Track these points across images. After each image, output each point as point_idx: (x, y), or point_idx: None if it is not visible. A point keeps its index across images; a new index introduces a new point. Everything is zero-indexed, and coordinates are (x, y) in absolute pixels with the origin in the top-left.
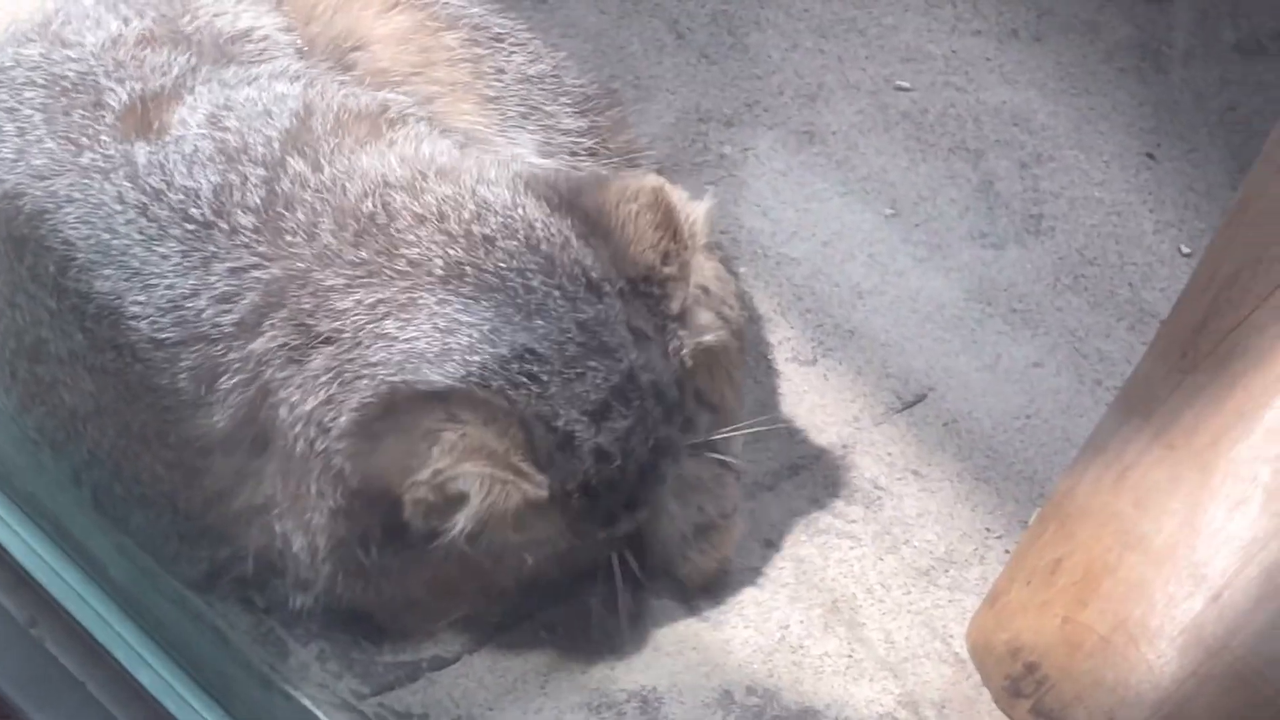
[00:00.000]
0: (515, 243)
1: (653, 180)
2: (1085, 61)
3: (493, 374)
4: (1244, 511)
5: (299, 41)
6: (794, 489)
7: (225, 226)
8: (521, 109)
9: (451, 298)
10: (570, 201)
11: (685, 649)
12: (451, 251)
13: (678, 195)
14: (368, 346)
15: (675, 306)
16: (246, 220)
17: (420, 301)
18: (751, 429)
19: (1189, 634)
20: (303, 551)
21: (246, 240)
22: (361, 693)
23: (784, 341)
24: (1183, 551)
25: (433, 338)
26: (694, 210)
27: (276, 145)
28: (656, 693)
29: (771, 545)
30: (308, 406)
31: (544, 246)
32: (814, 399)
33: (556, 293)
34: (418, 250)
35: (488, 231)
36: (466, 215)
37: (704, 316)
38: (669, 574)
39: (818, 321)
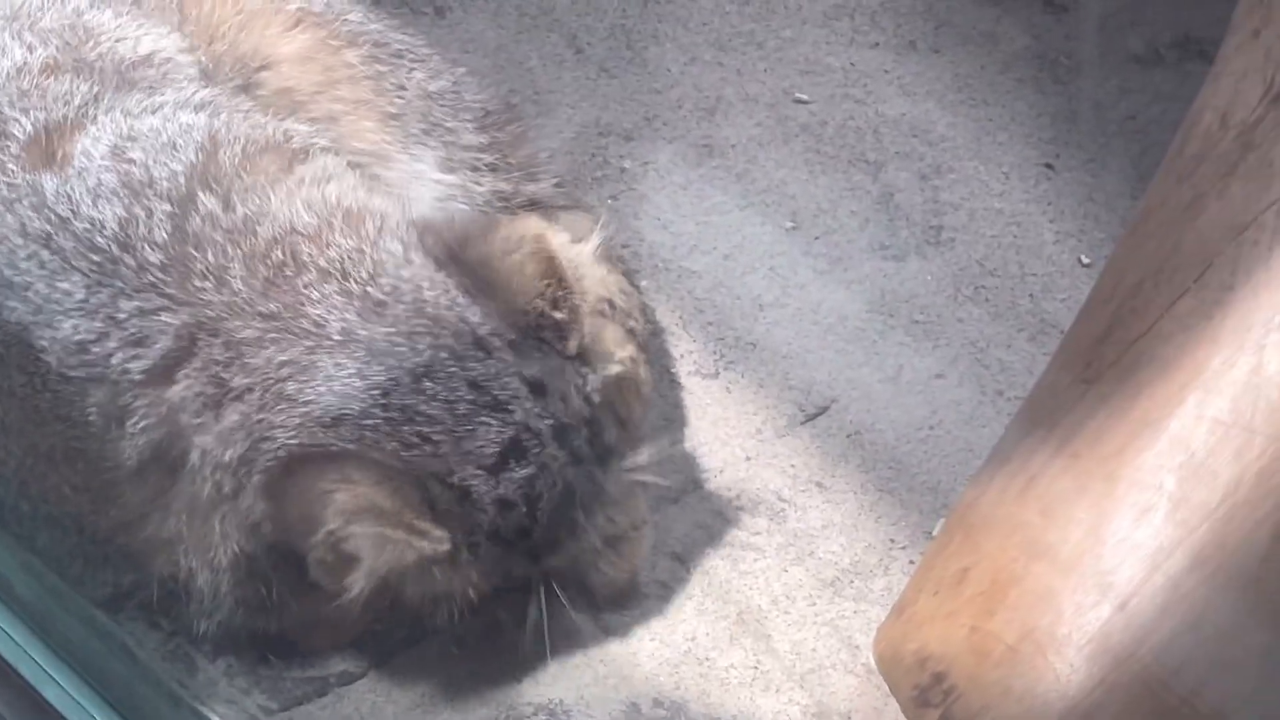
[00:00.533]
0: (404, 306)
1: (534, 228)
2: (983, 72)
3: (385, 436)
4: (1149, 520)
5: (203, 62)
6: (699, 502)
7: (132, 262)
8: (423, 125)
9: (346, 362)
10: (457, 256)
11: (593, 662)
12: (349, 316)
13: (559, 240)
14: (273, 408)
15: (573, 347)
16: (154, 257)
17: (319, 364)
18: (660, 443)
19: (1096, 643)
20: (206, 585)
21: (154, 279)
22: (270, 708)
23: (686, 355)
24: (1089, 560)
25: (329, 402)
26: (578, 252)
27: (183, 180)
28: (564, 706)
29: (677, 558)
30: (220, 457)
31: (430, 309)
32: (717, 412)
33: (444, 354)
34: (320, 310)
35: (381, 295)
36: (364, 274)
37: (608, 347)
38: (579, 586)
39: (720, 334)
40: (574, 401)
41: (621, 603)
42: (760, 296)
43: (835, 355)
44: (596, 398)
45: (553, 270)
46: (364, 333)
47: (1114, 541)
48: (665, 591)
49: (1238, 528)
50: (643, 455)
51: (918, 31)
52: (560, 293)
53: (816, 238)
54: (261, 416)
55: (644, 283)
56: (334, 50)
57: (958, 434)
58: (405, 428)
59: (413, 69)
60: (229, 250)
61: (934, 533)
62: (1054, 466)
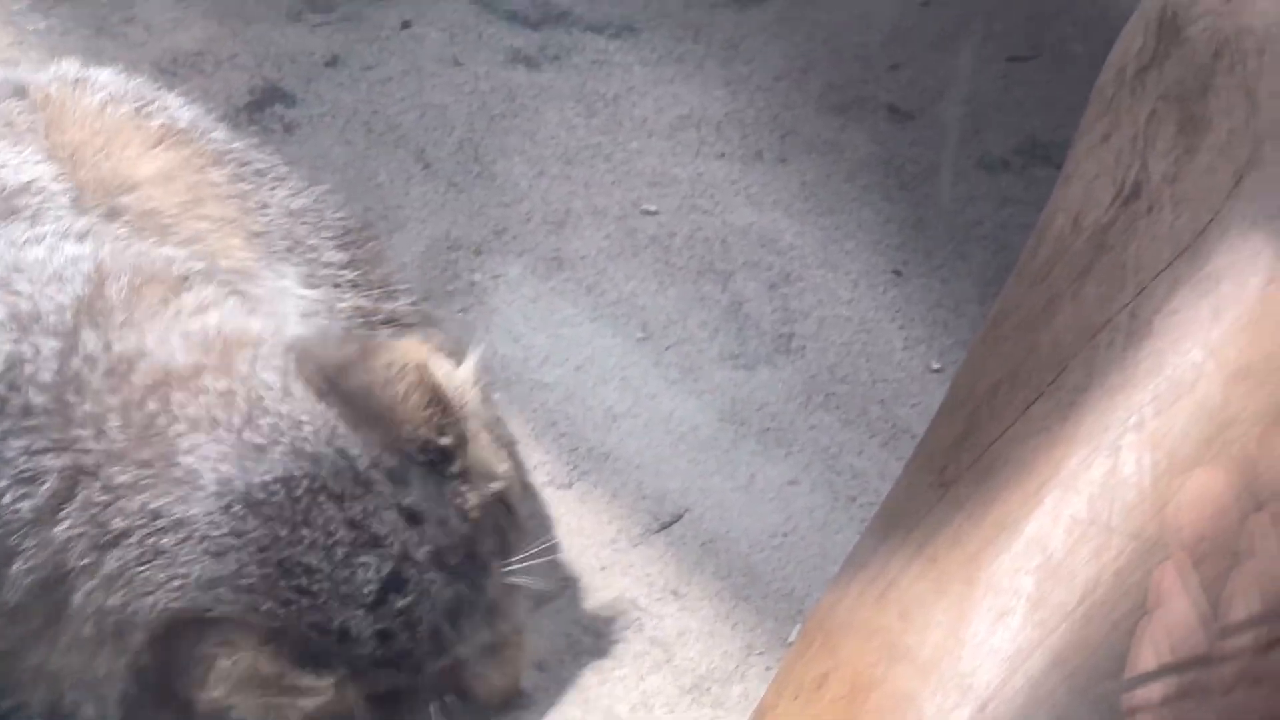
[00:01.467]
0: (282, 448)
1: (415, 355)
2: (830, 181)
3: (262, 596)
4: (1007, 623)
5: (72, 189)
6: (555, 612)
7: (19, 402)
8: (286, 243)
9: (221, 518)
10: (337, 385)
11: None
12: (223, 467)
13: (443, 367)
14: (151, 561)
15: (456, 469)
16: (39, 400)
17: (194, 518)
18: (532, 550)
19: None
20: (94, 716)
21: (39, 422)
22: None
23: (539, 466)
24: (949, 663)
25: (204, 563)
26: (460, 377)
27: (69, 314)
28: None
29: (539, 667)
30: (102, 602)
31: (310, 448)
32: (572, 522)
33: (323, 496)
34: (193, 459)
35: (259, 440)
36: (238, 420)
37: (489, 464)
38: (466, 693)
39: (573, 446)
40: (453, 523)
41: (507, 706)
42: (613, 407)
43: (688, 464)
44: (476, 514)
45: (437, 399)
46: (240, 484)
47: (973, 644)
48: (528, 701)
49: (1097, 628)
50: (518, 561)
51: (764, 141)
52: (445, 420)
53: (667, 348)
54: (140, 570)
55: (497, 395)
56: (198, 168)
57: (811, 540)
58: (283, 582)
59: (275, 187)
60: (106, 399)
61: (791, 639)
62: (912, 570)
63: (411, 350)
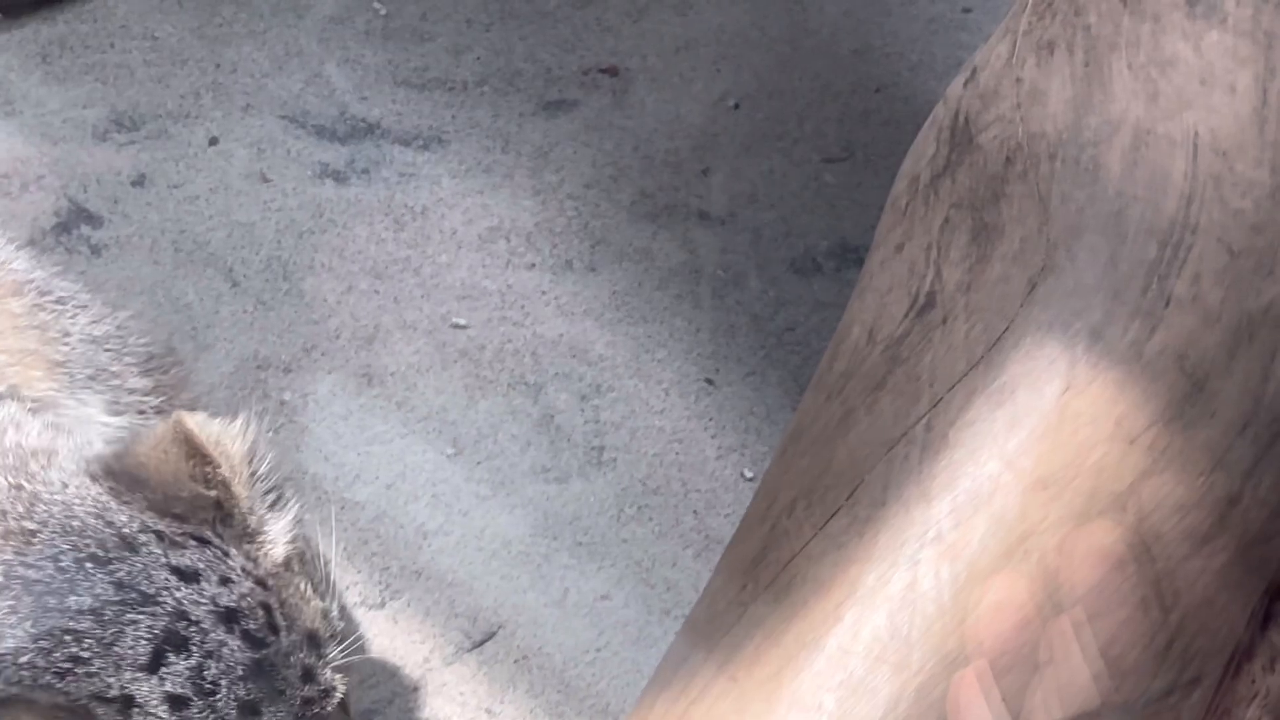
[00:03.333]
0: (51, 529)
1: (174, 416)
2: (640, 289)
3: (40, 671)
4: None
5: None
6: None
7: None
8: (89, 370)
9: (4, 604)
10: (113, 469)
11: None
12: (6, 554)
13: (195, 420)
14: None
15: (238, 524)
16: None
17: None
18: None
19: None
20: None
21: None
22: None
23: (352, 586)
24: None
25: None
26: (217, 427)
27: None
28: None
29: None
30: None
31: (77, 523)
32: (384, 643)
33: (89, 564)
34: None
35: (34, 525)
36: (21, 509)
37: (273, 525)
38: None
39: (384, 564)
40: (240, 584)
41: None
42: (424, 525)
43: (501, 580)
44: (274, 579)
45: (195, 448)
46: (20, 570)
47: None
48: None
49: None
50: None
51: (574, 250)
52: (207, 469)
53: (479, 463)
54: None
55: (307, 516)
56: None
57: (626, 654)
58: (56, 653)
59: (76, 315)
60: None
61: None
62: (714, 690)
63: (173, 416)
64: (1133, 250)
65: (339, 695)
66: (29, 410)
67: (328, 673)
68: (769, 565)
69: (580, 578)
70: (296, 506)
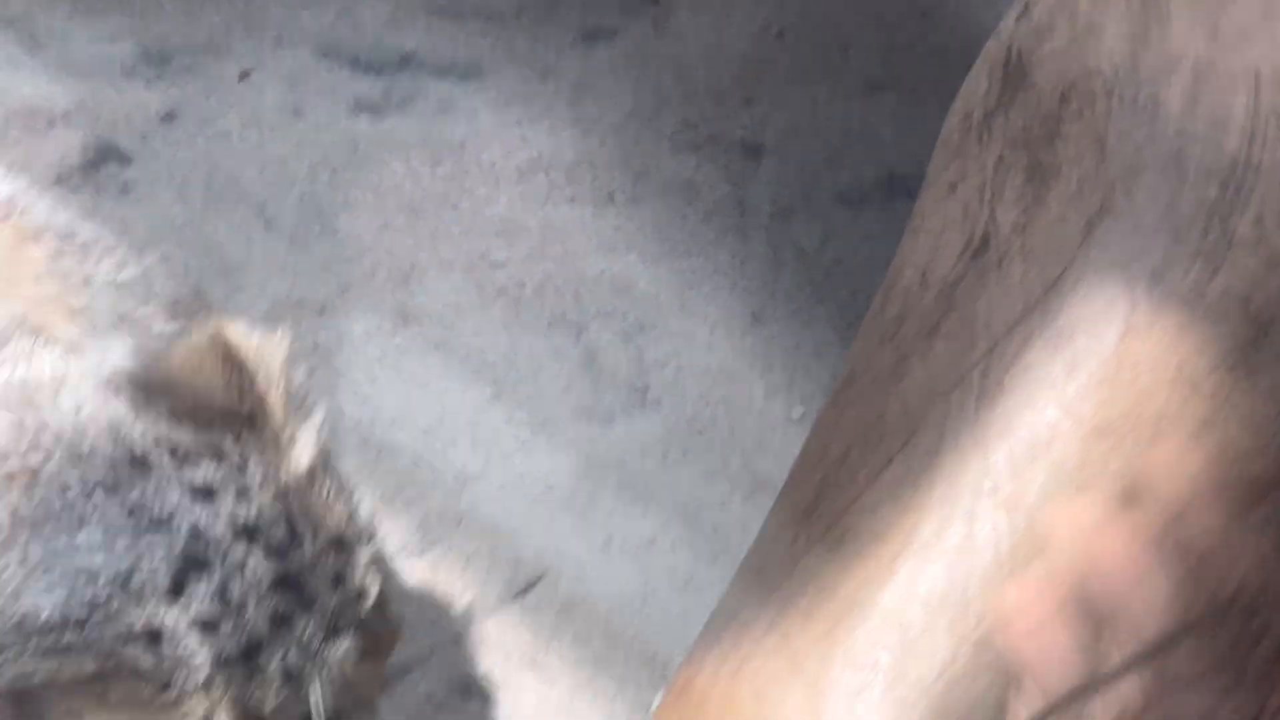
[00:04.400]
0: (59, 458)
1: (211, 327)
2: (685, 222)
3: (58, 630)
4: (865, 700)
5: None
6: (408, 688)
7: None
8: (112, 317)
9: (13, 557)
10: (136, 378)
11: None
12: (12, 497)
13: (236, 331)
14: None
15: (267, 436)
16: None
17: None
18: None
19: None
20: None
21: None
22: None
23: (390, 534)
24: None
25: (15, 614)
26: (258, 338)
27: None
28: None
29: None
30: None
31: (87, 447)
32: (423, 592)
33: (98, 491)
34: None
35: (38, 460)
36: (24, 446)
37: (300, 435)
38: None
39: (423, 510)
40: (261, 497)
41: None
42: (464, 469)
43: (543, 525)
44: (298, 489)
45: (232, 359)
46: (26, 512)
47: None
48: None
49: (957, 701)
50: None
51: (616, 184)
52: (244, 381)
53: (519, 405)
54: None
55: (345, 461)
56: (14, 247)
57: (673, 601)
58: (73, 600)
59: (100, 259)
60: None
61: (653, 707)
62: (765, 646)
63: (209, 325)
64: (1193, 190)
65: (372, 598)
66: (44, 342)
67: (358, 576)
68: (822, 517)
69: (625, 522)
70: (322, 410)
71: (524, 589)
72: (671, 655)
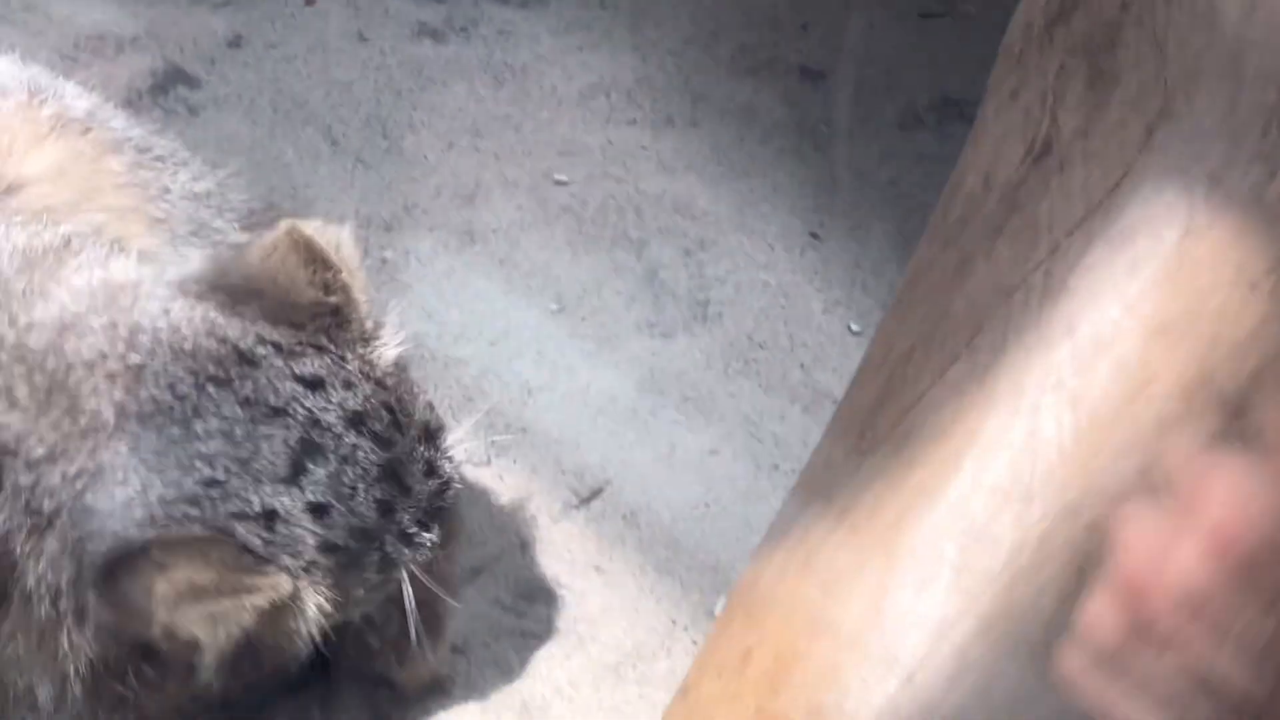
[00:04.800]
0: (162, 356)
1: (284, 224)
2: (743, 144)
3: (172, 504)
4: (931, 591)
5: None
6: (476, 593)
7: None
8: (190, 226)
9: (122, 446)
10: (216, 284)
11: None
12: (116, 395)
13: (313, 226)
14: (84, 525)
15: (355, 329)
16: None
17: (103, 463)
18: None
19: (885, 717)
20: (49, 698)
21: None
22: None
23: (457, 444)
24: (873, 635)
25: (115, 495)
26: (334, 233)
27: None
28: None
29: (457, 650)
30: (56, 582)
31: (188, 345)
32: (490, 500)
33: (210, 385)
34: (93, 403)
35: (138, 358)
36: (121, 347)
37: (387, 326)
38: (379, 680)
39: (489, 422)
40: (363, 387)
41: (429, 692)
42: (529, 381)
43: (607, 437)
44: (390, 379)
45: (314, 255)
46: (133, 406)
47: (897, 614)
48: (449, 686)
49: (1022, 593)
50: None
51: (674, 107)
52: (328, 275)
53: (583, 319)
54: (76, 534)
55: (412, 373)
56: (93, 159)
57: (735, 510)
58: (189, 480)
59: (176, 172)
60: (15, 370)
61: (716, 611)
62: (832, 540)
63: (282, 224)
64: (1251, 95)
65: (458, 485)
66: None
67: (446, 464)
68: (887, 414)
69: (687, 433)
70: (399, 309)
71: (588, 497)
72: (733, 562)
